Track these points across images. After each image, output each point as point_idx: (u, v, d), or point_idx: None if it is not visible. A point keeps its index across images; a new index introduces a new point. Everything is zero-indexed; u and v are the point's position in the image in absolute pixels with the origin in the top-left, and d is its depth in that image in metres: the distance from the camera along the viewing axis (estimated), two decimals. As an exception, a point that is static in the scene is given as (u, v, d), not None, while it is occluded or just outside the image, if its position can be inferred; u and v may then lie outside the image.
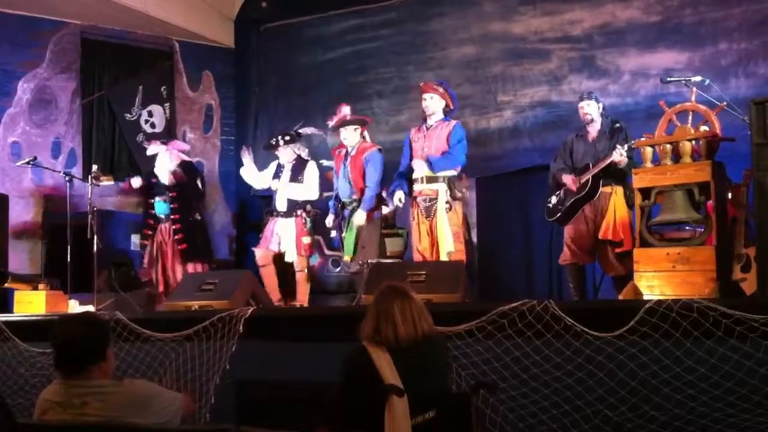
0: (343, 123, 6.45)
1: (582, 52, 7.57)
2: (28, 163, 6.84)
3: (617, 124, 5.86)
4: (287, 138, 6.77)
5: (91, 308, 5.90)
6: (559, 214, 5.89)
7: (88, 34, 8.72)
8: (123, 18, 8.54)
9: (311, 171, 6.75)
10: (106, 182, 6.93)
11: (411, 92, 8.17)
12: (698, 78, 5.25)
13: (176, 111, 9.21)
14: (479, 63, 8.04)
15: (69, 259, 6.13)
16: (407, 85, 8.35)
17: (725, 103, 4.85)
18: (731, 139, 4.67)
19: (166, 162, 7.12)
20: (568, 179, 5.86)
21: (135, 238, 7.65)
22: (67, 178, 6.58)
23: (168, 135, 8.80)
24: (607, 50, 7.45)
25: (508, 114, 7.87)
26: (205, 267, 7.09)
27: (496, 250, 7.86)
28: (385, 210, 6.37)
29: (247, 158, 6.89)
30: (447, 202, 5.84)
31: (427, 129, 6.06)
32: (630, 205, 5.45)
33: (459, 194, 5.91)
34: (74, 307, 5.96)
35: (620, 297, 4.76)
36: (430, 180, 5.91)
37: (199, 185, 7.32)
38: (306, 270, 6.70)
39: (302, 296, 6.68)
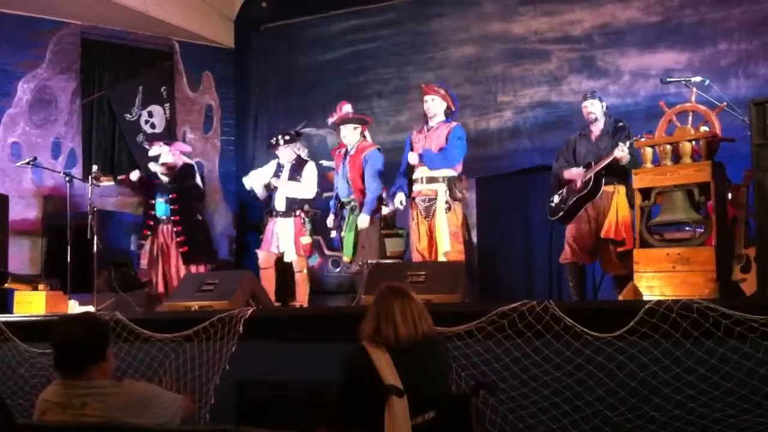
0: (344, 121, 6.46)
1: (582, 53, 7.57)
2: (28, 163, 6.84)
3: (620, 123, 5.86)
4: (287, 138, 6.78)
5: (90, 308, 5.91)
6: (561, 213, 5.88)
7: (88, 35, 8.72)
8: (123, 18, 8.54)
9: (310, 171, 6.77)
10: (106, 182, 6.93)
11: (411, 92, 8.18)
12: (698, 78, 5.24)
13: (176, 111, 9.21)
14: (479, 63, 8.04)
15: (69, 260, 6.13)
16: (407, 86, 8.36)
17: (725, 103, 4.85)
18: (731, 139, 4.67)
19: (168, 162, 7.14)
20: (574, 173, 5.82)
21: (135, 239, 7.65)
22: (67, 179, 6.59)
23: (168, 135, 8.80)
24: (607, 50, 7.45)
25: (508, 114, 7.87)
26: (207, 267, 7.08)
27: (496, 251, 7.86)
28: (384, 210, 6.37)
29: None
30: (446, 203, 5.84)
31: (428, 130, 6.06)
32: (632, 204, 5.44)
33: (459, 195, 5.90)
34: (74, 307, 5.96)
35: (620, 297, 4.76)
36: (430, 180, 5.91)
37: (200, 185, 7.32)
38: (305, 270, 6.70)
39: (302, 296, 6.68)
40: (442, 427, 2.99)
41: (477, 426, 3.13)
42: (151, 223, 7.09)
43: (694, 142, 4.55)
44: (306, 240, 6.66)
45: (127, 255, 7.70)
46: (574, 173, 5.80)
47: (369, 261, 5.98)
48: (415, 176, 6.02)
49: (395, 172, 6.25)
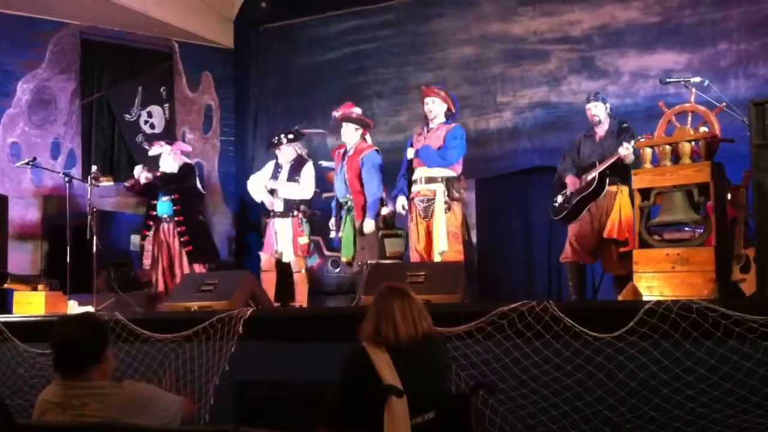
0: (346, 119, 6.45)
1: (581, 53, 7.57)
2: (27, 163, 6.83)
3: (624, 125, 5.87)
4: (290, 136, 6.79)
5: (90, 309, 5.90)
6: (564, 212, 5.89)
7: (87, 35, 8.71)
8: (122, 19, 8.53)
9: (308, 171, 6.77)
10: (106, 183, 6.92)
11: (410, 93, 8.18)
12: (697, 79, 5.24)
13: (176, 112, 9.21)
14: (478, 64, 8.04)
15: (68, 260, 6.13)
16: (406, 86, 8.36)
17: (724, 104, 4.85)
18: (730, 140, 4.67)
19: (169, 162, 7.15)
20: (569, 180, 5.87)
21: (134, 239, 7.65)
22: (66, 179, 6.58)
23: (167, 135, 8.79)
24: (606, 51, 7.45)
25: (508, 115, 7.87)
26: (207, 268, 7.08)
27: (496, 251, 7.86)
28: (384, 211, 6.38)
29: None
30: (445, 203, 5.85)
31: (428, 131, 6.07)
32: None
33: (457, 195, 5.91)
34: (73, 307, 5.95)
35: (620, 298, 4.76)
36: (428, 180, 5.92)
37: (199, 185, 7.32)
38: (304, 270, 6.70)
39: (301, 297, 6.68)
40: (442, 427, 2.99)
41: (476, 426, 3.13)
42: (151, 223, 7.09)
43: (693, 143, 4.55)
44: (304, 240, 6.66)
45: (126, 255, 7.70)
46: (568, 181, 5.84)
47: (368, 261, 5.98)
48: (413, 177, 6.03)
49: (394, 173, 6.26)
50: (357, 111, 6.56)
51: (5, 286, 5.94)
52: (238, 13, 9.45)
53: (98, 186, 6.66)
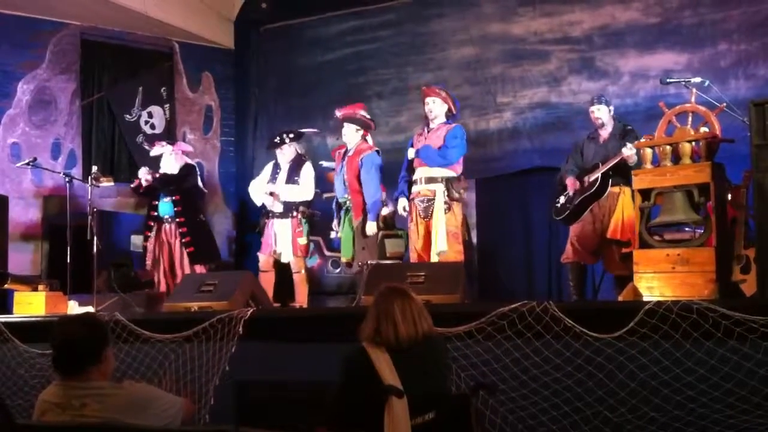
0: (348, 118, 6.45)
1: (581, 54, 7.57)
2: (27, 164, 6.83)
3: (628, 127, 5.88)
4: (291, 135, 6.80)
5: (90, 309, 5.90)
6: (567, 213, 5.90)
7: (87, 35, 8.71)
8: (122, 19, 8.53)
9: (307, 171, 6.77)
10: (106, 183, 6.92)
11: (410, 93, 8.19)
12: (698, 79, 5.25)
13: (176, 112, 9.21)
14: (478, 64, 8.04)
15: (69, 260, 6.13)
16: (406, 86, 8.36)
17: (725, 104, 4.85)
18: (731, 140, 4.67)
19: (171, 162, 7.14)
20: (569, 182, 5.88)
21: (135, 239, 7.65)
22: (66, 179, 6.59)
23: (168, 136, 8.80)
24: (606, 51, 7.46)
25: (508, 115, 7.87)
26: (207, 268, 7.08)
27: (496, 251, 7.86)
28: (385, 211, 6.38)
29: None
30: (445, 203, 5.85)
31: (428, 132, 6.07)
32: (638, 205, 5.46)
33: (456, 195, 5.91)
34: (74, 308, 5.95)
35: (620, 298, 4.76)
36: (428, 181, 5.92)
37: (200, 185, 7.32)
38: (303, 271, 6.70)
39: (301, 297, 6.68)
40: (442, 427, 2.99)
41: (477, 426, 3.13)
42: (152, 223, 7.09)
43: (693, 143, 4.54)
44: (303, 241, 6.66)
45: (127, 255, 7.70)
46: (568, 183, 5.86)
47: (369, 262, 5.98)
48: (414, 177, 6.04)
49: (395, 173, 6.26)
50: (362, 112, 6.56)
51: (6, 286, 5.94)
52: (239, 13, 9.45)
53: (98, 186, 6.66)
